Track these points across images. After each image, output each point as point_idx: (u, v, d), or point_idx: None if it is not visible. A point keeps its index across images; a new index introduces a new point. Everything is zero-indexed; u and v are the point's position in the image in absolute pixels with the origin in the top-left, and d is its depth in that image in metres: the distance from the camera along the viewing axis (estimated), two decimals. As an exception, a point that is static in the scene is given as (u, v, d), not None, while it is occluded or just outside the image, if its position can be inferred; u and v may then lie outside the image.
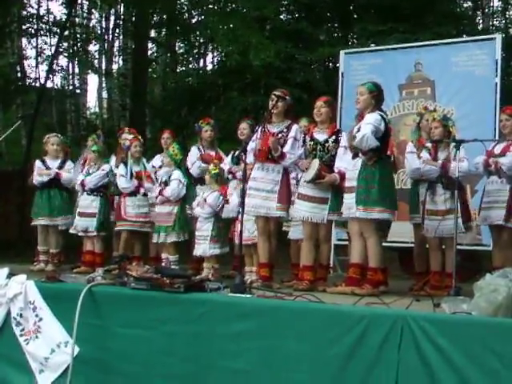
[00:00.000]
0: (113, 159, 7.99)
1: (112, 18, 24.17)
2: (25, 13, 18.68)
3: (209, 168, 7.11)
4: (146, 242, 7.84)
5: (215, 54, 23.30)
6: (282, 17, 17.01)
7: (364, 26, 14.28)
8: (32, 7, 19.62)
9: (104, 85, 25.55)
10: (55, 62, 20.21)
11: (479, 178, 7.18)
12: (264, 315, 4.49)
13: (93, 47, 23.48)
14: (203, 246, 6.87)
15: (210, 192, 6.97)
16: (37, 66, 22.98)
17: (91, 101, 30.48)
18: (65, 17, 19.23)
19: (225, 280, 6.02)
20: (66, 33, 19.42)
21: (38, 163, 7.89)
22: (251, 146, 6.10)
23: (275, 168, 6.15)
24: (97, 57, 24.29)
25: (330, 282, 6.44)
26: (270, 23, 16.01)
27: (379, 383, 4.02)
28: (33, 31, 19.80)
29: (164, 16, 19.29)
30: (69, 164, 7.85)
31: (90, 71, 25.03)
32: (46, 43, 22.19)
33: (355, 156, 5.74)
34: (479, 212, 6.36)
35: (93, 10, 22.96)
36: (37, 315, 5.37)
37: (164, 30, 20.69)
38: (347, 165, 5.86)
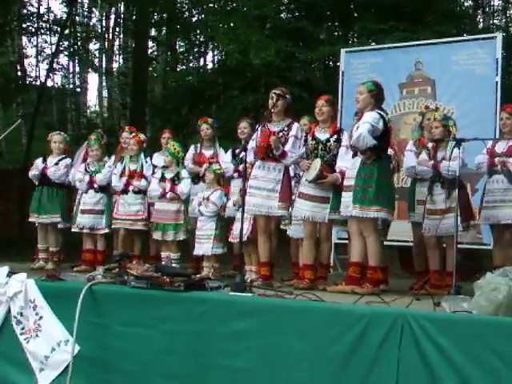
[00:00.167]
0: (112, 158, 7.97)
1: (112, 16, 24.24)
2: (25, 11, 18.68)
3: (211, 167, 7.12)
4: (146, 240, 7.83)
5: (215, 52, 23.31)
6: (282, 15, 16.99)
7: (364, 24, 14.27)
8: (32, 6, 19.64)
9: (104, 83, 25.57)
10: (55, 60, 20.21)
11: (479, 177, 7.18)
12: (264, 314, 4.49)
13: (93, 46, 23.54)
14: (206, 245, 6.86)
15: (213, 190, 6.98)
16: (37, 65, 23.04)
17: (91, 99, 30.61)
18: (65, 15, 19.22)
19: (225, 279, 6.01)
20: (67, 31, 19.44)
21: (37, 160, 7.90)
22: (251, 144, 6.10)
23: (276, 167, 6.15)
24: (97, 55, 24.31)
25: (331, 280, 6.44)
26: (270, 22, 15.99)
27: (379, 382, 4.03)
28: (33, 30, 19.79)
29: (164, 15, 19.29)
30: (63, 161, 7.76)
31: (90, 70, 25.06)
32: (46, 42, 22.22)
33: (355, 155, 5.74)
34: (480, 211, 6.35)
35: (93, 9, 23.00)
36: (37, 314, 5.37)
37: (164, 28, 20.68)
38: (348, 164, 5.85)
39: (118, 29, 24.21)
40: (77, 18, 21.51)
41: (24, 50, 22.56)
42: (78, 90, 25.40)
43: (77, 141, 8.62)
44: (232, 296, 4.81)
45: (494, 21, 21.95)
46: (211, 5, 17.39)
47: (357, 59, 9.47)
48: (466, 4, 19.98)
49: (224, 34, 14.51)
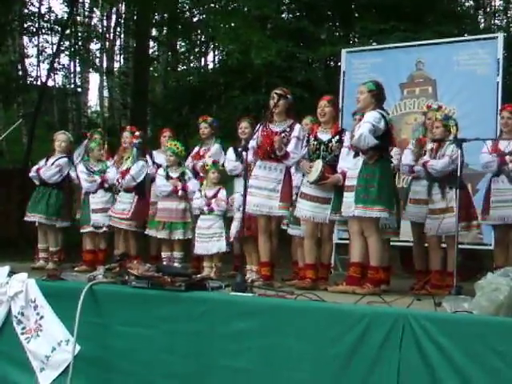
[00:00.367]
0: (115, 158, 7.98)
1: (113, 16, 24.23)
2: (26, 11, 18.68)
3: (216, 165, 7.15)
4: (146, 240, 7.83)
5: (216, 52, 23.33)
6: (283, 16, 17.00)
7: (365, 24, 14.26)
8: (33, 5, 19.64)
9: (105, 83, 25.56)
10: (56, 60, 20.23)
11: (481, 177, 7.18)
12: (265, 314, 4.49)
13: (94, 46, 23.55)
14: (219, 244, 6.86)
15: (218, 188, 7.01)
16: (38, 65, 23.01)
17: (92, 99, 30.59)
18: (66, 15, 19.23)
19: (226, 279, 6.01)
20: (68, 31, 19.45)
21: (41, 162, 7.91)
22: (252, 144, 6.09)
23: (277, 167, 6.14)
24: (98, 55, 24.32)
25: (331, 280, 6.44)
26: (271, 22, 15.99)
27: (380, 382, 4.03)
28: (34, 29, 19.79)
29: (165, 15, 19.30)
30: (57, 161, 7.72)
31: (91, 70, 25.05)
32: (47, 42, 22.26)
33: (356, 155, 5.74)
34: (484, 211, 6.33)
35: (94, 9, 23.00)
36: (38, 313, 5.38)
37: (165, 28, 20.68)
38: (350, 165, 5.85)
39: (118, 29, 24.23)
40: (78, 17, 21.51)
41: (25, 50, 22.57)
42: (79, 89, 25.40)
43: (78, 140, 8.59)
44: (233, 296, 4.81)
45: (495, 21, 21.97)
46: (212, 5, 17.37)
47: (358, 59, 9.47)
48: (467, 4, 20.01)
49: (225, 34, 14.52)
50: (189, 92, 17.22)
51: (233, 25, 14.46)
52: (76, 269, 7.21)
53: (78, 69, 25.28)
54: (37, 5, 20.50)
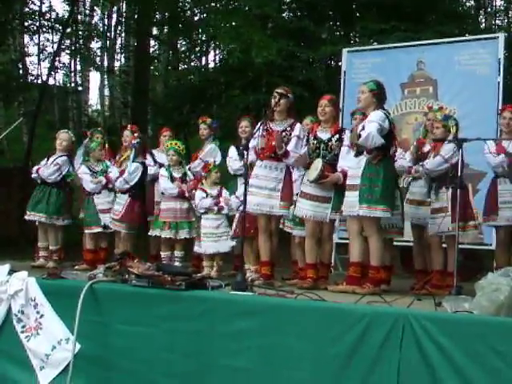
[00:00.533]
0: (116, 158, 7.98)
1: (114, 15, 24.23)
2: (27, 9, 18.65)
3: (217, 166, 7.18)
4: (145, 240, 7.83)
5: (217, 51, 23.27)
6: (284, 15, 16.98)
7: (366, 24, 14.24)
8: (34, 4, 19.59)
9: (106, 82, 25.57)
10: (57, 59, 20.19)
11: (481, 177, 7.17)
12: (265, 313, 4.49)
13: (95, 44, 23.49)
14: (228, 242, 6.93)
15: (220, 188, 7.05)
16: (39, 63, 22.96)
17: (93, 98, 30.53)
18: (67, 14, 19.22)
19: (226, 279, 6.01)
20: (69, 30, 19.42)
21: (43, 161, 7.90)
22: (253, 143, 6.09)
23: (278, 166, 6.14)
24: (99, 54, 24.29)
25: (331, 280, 6.43)
26: (272, 21, 15.97)
27: (380, 382, 4.03)
28: (35, 28, 19.75)
29: (166, 14, 19.27)
30: (56, 160, 7.71)
31: (91, 68, 25.02)
32: (48, 40, 22.20)
33: (358, 154, 5.73)
34: (494, 212, 6.32)
35: (95, 8, 22.98)
36: (38, 312, 5.38)
37: (166, 27, 20.66)
38: (350, 164, 5.84)
39: (119, 27, 24.22)
40: (79, 16, 21.47)
41: (26, 49, 22.54)
42: (80, 88, 25.38)
43: (78, 139, 8.59)
44: (233, 295, 4.81)
45: (497, 21, 21.96)
46: (213, 4, 17.36)
47: (358, 59, 9.47)
48: (468, 4, 19.97)
49: (226, 33, 14.49)
50: (189, 91, 17.20)
51: (234, 24, 14.44)
52: (76, 267, 7.21)
53: (79, 67, 25.30)
54: (38, 3, 20.45)
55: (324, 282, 6.21)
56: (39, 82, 21.11)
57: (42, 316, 5.36)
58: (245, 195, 5.38)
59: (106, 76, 25.05)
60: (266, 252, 6.18)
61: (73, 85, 25.09)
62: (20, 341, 5.43)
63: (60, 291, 5.38)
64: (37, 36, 21.47)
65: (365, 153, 5.66)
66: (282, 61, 13.97)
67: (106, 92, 25.97)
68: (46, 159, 7.83)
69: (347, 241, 6.93)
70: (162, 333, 4.85)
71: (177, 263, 7.05)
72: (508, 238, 6.28)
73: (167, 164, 7.36)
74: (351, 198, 5.69)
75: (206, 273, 6.69)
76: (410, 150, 6.61)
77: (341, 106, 8.73)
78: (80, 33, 21.24)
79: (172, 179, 7.19)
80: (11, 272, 5.68)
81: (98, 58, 24.30)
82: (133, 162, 7.40)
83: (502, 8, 21.99)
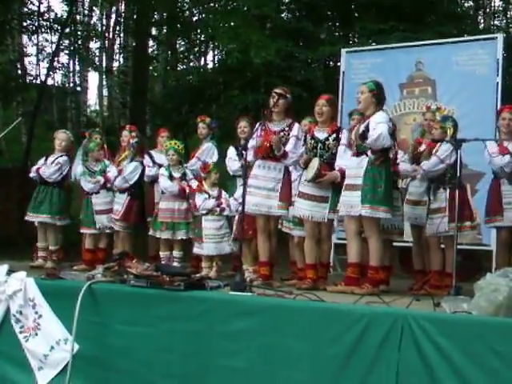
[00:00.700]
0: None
1: (113, 15, 24.27)
2: (26, 10, 18.64)
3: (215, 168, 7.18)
4: (144, 240, 7.82)
5: (216, 52, 23.32)
6: (282, 15, 16.99)
7: (365, 24, 14.25)
8: (33, 4, 19.59)
9: (104, 82, 25.57)
10: (56, 59, 20.19)
11: (480, 178, 7.17)
12: (264, 313, 4.48)
13: (93, 45, 23.53)
14: (225, 244, 6.94)
15: (219, 189, 7.05)
16: (37, 64, 23.01)
17: (92, 98, 30.61)
18: (66, 14, 19.20)
19: (225, 279, 6.01)
20: (67, 30, 19.42)
21: (40, 161, 7.90)
22: (251, 143, 6.08)
23: (277, 166, 6.13)
24: (97, 54, 24.30)
25: (330, 280, 6.43)
26: (270, 21, 15.98)
27: (379, 382, 4.02)
28: (34, 28, 19.75)
29: (165, 14, 19.27)
30: (57, 159, 7.72)
31: (90, 69, 25.05)
32: (46, 40, 22.22)
33: (359, 154, 5.71)
34: (500, 212, 6.31)
35: (94, 8, 22.98)
36: (36, 312, 5.37)
37: (165, 27, 20.66)
38: (348, 163, 5.84)
39: (118, 28, 24.25)
40: (77, 16, 21.49)
41: (24, 49, 22.58)
42: (79, 88, 25.42)
43: (77, 139, 8.60)
44: (232, 295, 4.81)
45: (495, 21, 21.99)
46: (212, 4, 17.36)
47: (357, 59, 9.47)
48: (466, 5, 19.99)
49: (224, 33, 14.49)
50: (188, 91, 17.21)
51: (232, 24, 14.44)
52: (75, 268, 7.20)
53: (78, 68, 25.35)
54: (36, 3, 20.48)
55: (323, 282, 6.20)
56: (38, 82, 21.11)
57: (40, 316, 5.35)
58: (244, 195, 5.37)
59: (104, 76, 25.06)
60: (265, 252, 6.18)
61: (71, 85, 25.13)
62: (18, 341, 5.42)
63: (58, 291, 5.37)
64: (35, 36, 21.52)
65: (369, 153, 5.65)
66: (281, 61, 13.97)
67: (105, 92, 25.99)
68: (43, 159, 7.82)
69: (346, 241, 6.94)
70: (160, 333, 4.85)
71: (175, 263, 7.05)
72: (510, 239, 6.27)
73: (167, 164, 7.36)
74: (351, 197, 5.67)
75: (205, 273, 6.68)
76: (408, 150, 6.63)
77: (339, 106, 8.73)
78: (79, 33, 21.27)
79: (171, 179, 7.19)
80: (10, 272, 5.66)
81: (96, 59, 24.36)
82: (131, 161, 7.41)
83: (501, 9, 22.03)
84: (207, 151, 7.70)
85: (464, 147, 5.52)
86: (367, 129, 5.61)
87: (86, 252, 7.65)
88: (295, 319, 4.37)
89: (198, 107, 15.98)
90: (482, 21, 21.17)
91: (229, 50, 15.26)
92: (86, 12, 22.89)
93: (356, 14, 15.98)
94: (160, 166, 7.59)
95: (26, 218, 7.76)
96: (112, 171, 7.57)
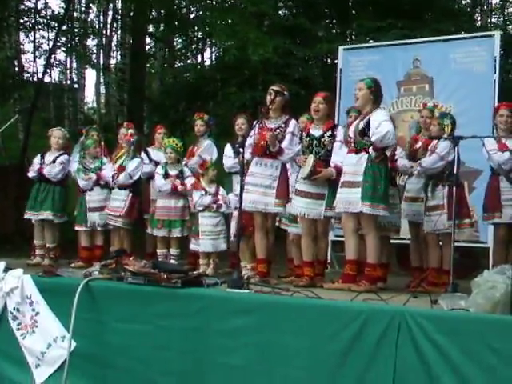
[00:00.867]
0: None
1: (110, 12, 24.21)
2: (22, 7, 18.59)
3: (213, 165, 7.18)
4: (142, 237, 7.82)
5: (213, 49, 23.31)
6: (280, 12, 17.00)
7: (362, 22, 14.28)
8: (30, 1, 19.53)
9: (102, 80, 25.56)
10: (53, 56, 20.13)
11: (478, 175, 7.17)
12: (261, 311, 4.49)
13: (91, 42, 23.48)
14: (220, 241, 6.97)
15: (217, 186, 7.06)
16: (34, 61, 22.90)
17: (89, 96, 30.59)
18: (63, 11, 19.16)
19: (222, 276, 6.00)
20: (64, 27, 19.34)
21: (35, 159, 7.88)
22: (249, 141, 6.07)
23: (273, 163, 6.13)
24: (95, 51, 24.27)
25: (327, 278, 6.42)
26: (268, 19, 15.98)
27: (376, 379, 4.03)
28: (31, 25, 19.71)
29: (162, 11, 19.24)
30: (60, 158, 7.70)
31: (87, 66, 24.99)
32: (43, 37, 22.14)
33: (358, 151, 5.70)
34: (498, 209, 6.30)
35: (91, 5, 22.92)
36: (33, 309, 5.37)
37: (162, 25, 20.63)
38: (345, 160, 5.84)
39: (115, 25, 24.21)
40: (74, 13, 21.44)
41: (21, 46, 22.47)
42: (76, 86, 25.35)
43: (74, 137, 8.59)
44: (229, 293, 4.80)
45: (492, 19, 22.01)
46: (209, 1, 17.35)
47: (355, 57, 9.47)
48: (464, 2, 20.01)
49: (222, 30, 14.47)
50: (185, 88, 17.22)
51: (230, 21, 14.43)
52: (72, 265, 7.20)
53: (75, 65, 25.28)
54: (33, 0, 20.43)
55: (320, 279, 6.20)
56: (35, 79, 21.03)
57: (37, 314, 5.35)
58: (241, 193, 5.37)
59: (101, 73, 25.03)
60: (263, 250, 6.17)
61: (68, 82, 25.08)
62: (15, 338, 5.43)
63: (56, 289, 5.37)
64: (32, 33, 21.45)
65: (370, 150, 5.64)
66: (278, 58, 13.97)
67: (102, 89, 25.98)
68: (40, 157, 7.80)
69: (343, 238, 6.94)
70: (158, 330, 4.85)
71: (173, 261, 7.05)
72: (508, 236, 6.27)
73: (164, 161, 7.36)
74: (350, 194, 5.65)
75: (202, 270, 6.68)
76: (405, 147, 6.64)
77: (337, 103, 8.74)
78: (76, 30, 21.20)
79: (167, 176, 7.19)
80: (6, 269, 5.67)
81: (93, 56, 24.29)
82: (133, 158, 7.42)
83: (498, 6, 22.04)
84: (207, 149, 7.68)
85: (461, 145, 5.52)
86: (367, 126, 5.61)
87: (83, 249, 7.64)
88: (292, 316, 4.37)
89: (196, 104, 15.99)
90: (480, 18, 21.17)
91: (226, 48, 15.26)
92: (83, 9, 22.82)
93: (353, 12, 16.01)
94: (156, 163, 7.59)
95: (26, 216, 7.74)
96: (107, 169, 7.56)
